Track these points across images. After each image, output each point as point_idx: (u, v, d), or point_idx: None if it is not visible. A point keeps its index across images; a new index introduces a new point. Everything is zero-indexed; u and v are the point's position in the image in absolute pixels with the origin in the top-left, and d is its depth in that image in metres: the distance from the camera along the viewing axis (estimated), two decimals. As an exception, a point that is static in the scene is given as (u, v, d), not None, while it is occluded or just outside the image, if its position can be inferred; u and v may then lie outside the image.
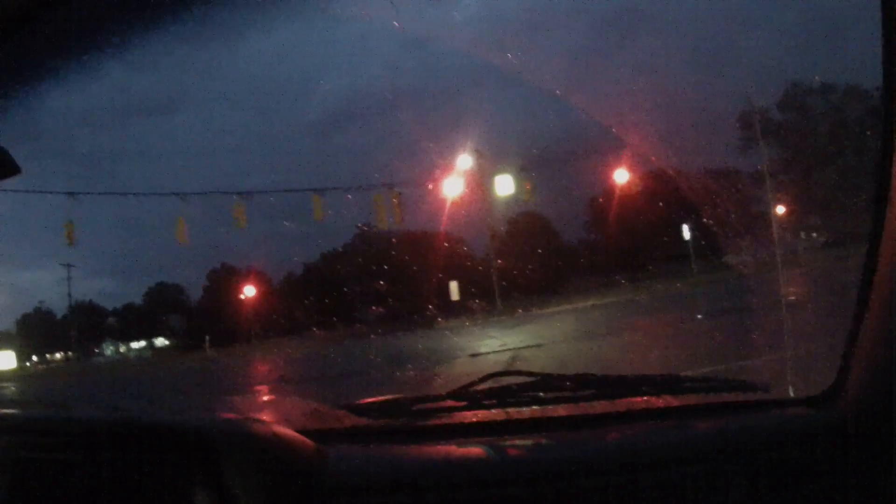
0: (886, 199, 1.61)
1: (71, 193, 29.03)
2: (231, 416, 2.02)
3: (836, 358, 1.78)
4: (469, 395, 2.28)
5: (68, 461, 1.76)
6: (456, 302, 34.56)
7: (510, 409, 2.17)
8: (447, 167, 30.62)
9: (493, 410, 2.20)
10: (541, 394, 2.20)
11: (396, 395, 2.43)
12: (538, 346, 14.37)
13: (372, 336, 31.14)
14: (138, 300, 67.50)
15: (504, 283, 36.41)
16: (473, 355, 13.99)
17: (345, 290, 45.79)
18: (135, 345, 67.36)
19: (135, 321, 65.59)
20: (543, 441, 1.99)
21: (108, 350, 67.08)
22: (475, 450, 1.93)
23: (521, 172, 32.55)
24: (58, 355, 64.73)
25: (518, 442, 1.99)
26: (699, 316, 14.83)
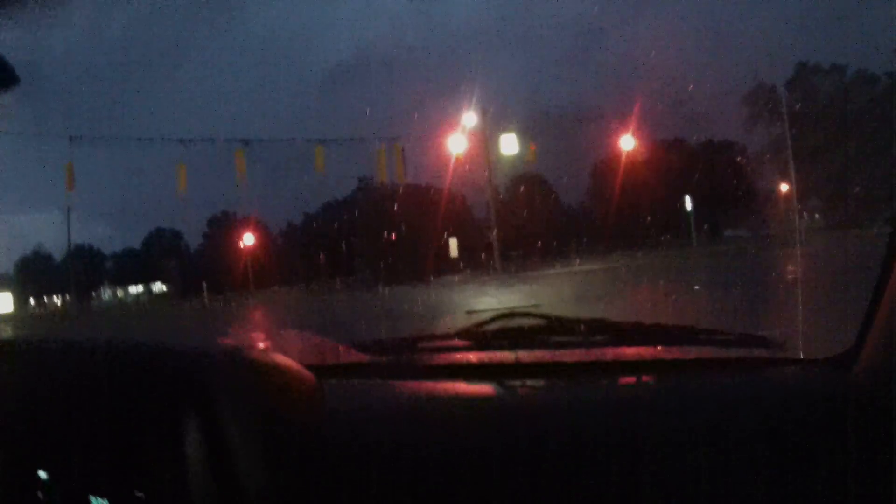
0: None
1: (72, 137, 28.98)
2: (227, 342, 1.95)
3: (845, 328, 1.72)
4: (477, 335, 2.21)
5: (58, 386, 1.71)
6: (455, 259, 34.69)
7: (520, 352, 2.11)
8: (452, 124, 30.57)
9: (502, 352, 2.14)
10: (552, 337, 2.13)
11: (402, 335, 2.37)
12: (535, 306, 14.37)
13: (369, 288, 31.26)
14: (137, 245, 67.80)
15: (504, 242, 36.49)
16: (469, 312, 14.00)
17: (344, 242, 45.96)
18: (132, 289, 67.91)
19: (133, 266, 66.01)
20: (552, 384, 1.94)
21: (106, 294, 67.61)
22: (481, 388, 1.88)
23: (526, 133, 32.48)
24: (55, 299, 65.25)
25: (526, 384, 1.93)
26: (702, 286, 14.79)
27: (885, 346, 1.54)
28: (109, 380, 1.66)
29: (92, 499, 1.58)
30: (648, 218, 38.87)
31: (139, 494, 1.53)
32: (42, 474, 1.63)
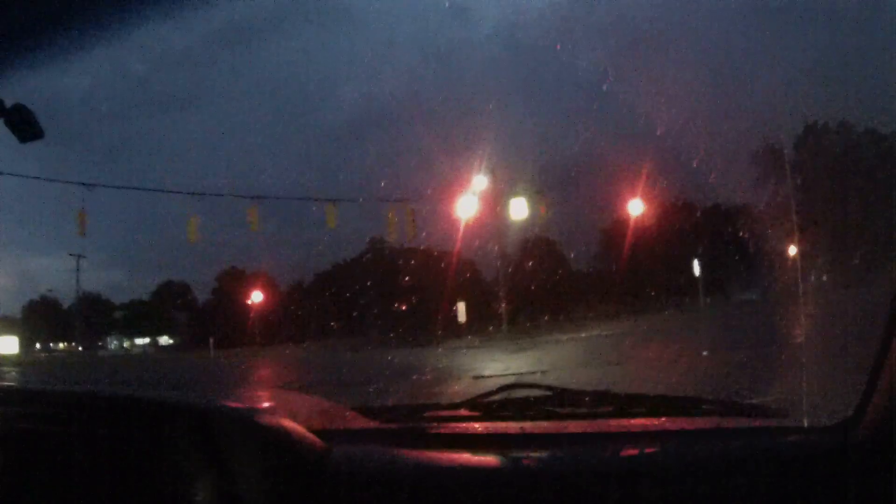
0: None
1: (86, 184, 29.15)
2: (236, 404, 1.98)
3: (849, 393, 1.74)
4: (483, 406, 2.23)
5: (68, 435, 1.73)
6: (463, 323, 34.51)
7: (525, 423, 2.12)
8: (462, 185, 30.68)
9: (508, 423, 2.16)
10: (556, 409, 2.15)
11: (409, 402, 2.38)
12: (542, 371, 14.27)
13: (376, 349, 31.05)
14: (146, 296, 67.72)
15: (512, 307, 36.34)
16: (477, 377, 13.90)
17: (353, 301, 45.84)
18: (139, 340, 67.63)
19: (141, 317, 65.81)
20: (557, 455, 1.95)
21: (113, 344, 67.33)
22: (486, 459, 1.89)
23: (536, 196, 32.57)
24: (61, 345, 64.93)
25: (531, 455, 1.95)
26: (705, 353, 14.67)
27: (885, 415, 1.56)
28: (124, 432, 1.69)
29: None
30: (657, 282, 38.75)
31: None
32: None
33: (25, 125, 2.02)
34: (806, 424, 1.92)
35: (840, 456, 1.64)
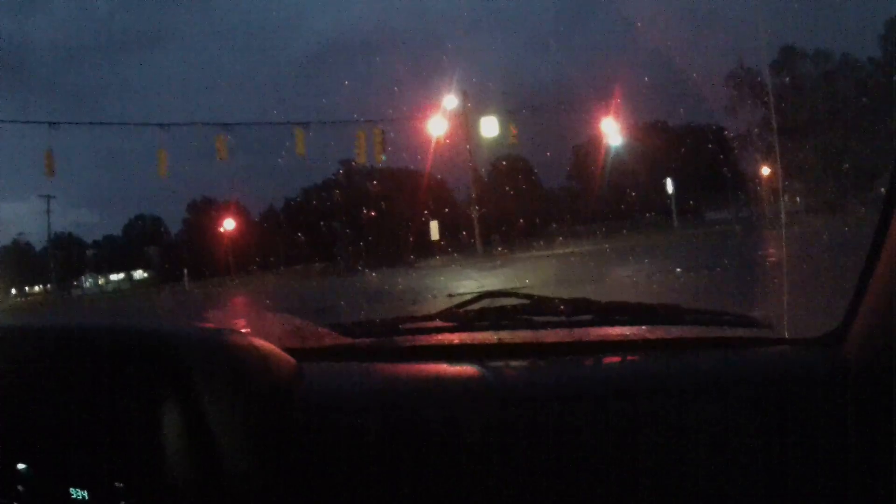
0: None
1: (52, 123, 28.68)
2: (206, 325, 1.91)
3: (831, 309, 1.71)
4: (460, 316, 2.18)
5: (28, 369, 1.67)
6: (436, 242, 34.62)
7: (502, 333, 2.08)
8: (433, 106, 30.47)
9: (484, 333, 2.11)
10: (534, 317, 2.10)
11: (383, 317, 2.33)
12: (517, 288, 14.31)
13: (350, 273, 31.19)
14: (118, 232, 67.45)
15: (485, 225, 36.47)
16: (451, 295, 13.95)
17: (325, 225, 45.84)
18: (113, 277, 67.59)
19: (114, 253, 65.71)
20: (535, 365, 1.91)
21: (87, 282, 67.25)
22: (464, 369, 1.85)
23: (507, 115, 32.37)
24: (37, 288, 64.82)
25: (509, 364, 1.91)
26: (684, 269, 14.81)
27: (874, 326, 1.53)
28: (85, 365, 1.63)
29: (72, 491, 1.55)
30: (630, 200, 39.00)
31: (119, 485, 1.51)
32: (21, 467, 1.60)
33: None
34: (788, 336, 1.89)
35: (829, 366, 1.61)
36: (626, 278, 14.59)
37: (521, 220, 38.83)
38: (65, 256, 62.32)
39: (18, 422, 1.65)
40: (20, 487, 1.59)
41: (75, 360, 1.63)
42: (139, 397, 1.55)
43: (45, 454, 1.61)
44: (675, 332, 2.02)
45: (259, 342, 1.78)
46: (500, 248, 34.56)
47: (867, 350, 1.54)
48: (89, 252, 67.98)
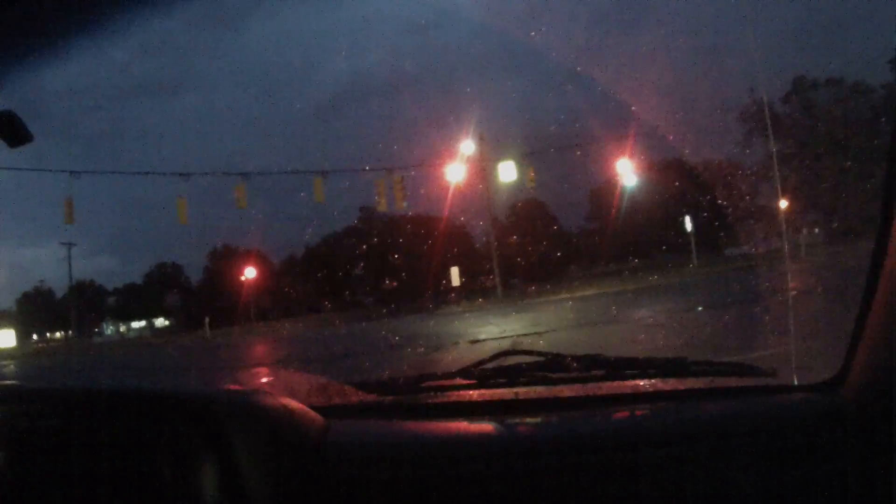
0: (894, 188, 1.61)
1: (72, 172, 28.95)
2: (237, 387, 2.01)
3: (839, 349, 1.78)
4: (478, 374, 2.27)
5: (68, 432, 1.75)
6: (456, 287, 34.57)
7: (519, 389, 2.16)
8: (450, 152, 30.61)
9: (502, 389, 2.20)
10: (549, 374, 2.19)
11: (404, 374, 2.42)
12: (538, 333, 14.33)
13: (371, 320, 31.08)
14: (138, 280, 67.70)
15: (504, 270, 36.39)
16: (473, 342, 13.97)
17: (345, 273, 45.82)
18: (135, 324, 67.61)
19: (135, 301, 65.73)
20: (551, 420, 1.99)
21: (108, 329, 67.31)
22: (483, 426, 1.93)
23: (524, 159, 32.46)
24: (58, 334, 64.94)
25: (526, 420, 1.99)
26: (700, 308, 14.77)
27: (870, 370, 1.61)
28: (126, 427, 1.72)
29: None
30: (649, 240, 38.77)
31: None
32: None
33: (14, 131, 2.02)
34: (795, 382, 1.96)
35: (828, 412, 1.68)
36: (645, 319, 14.57)
37: (541, 264, 38.71)
38: (86, 303, 62.51)
39: (56, 478, 1.73)
40: None
41: (120, 421, 1.72)
42: (179, 457, 1.64)
43: None
44: (682, 383, 2.11)
45: (288, 402, 1.87)
46: (520, 292, 34.48)
47: (864, 394, 1.62)
48: (110, 299, 68.21)
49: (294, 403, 1.89)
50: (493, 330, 16.87)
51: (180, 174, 30.65)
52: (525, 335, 14.03)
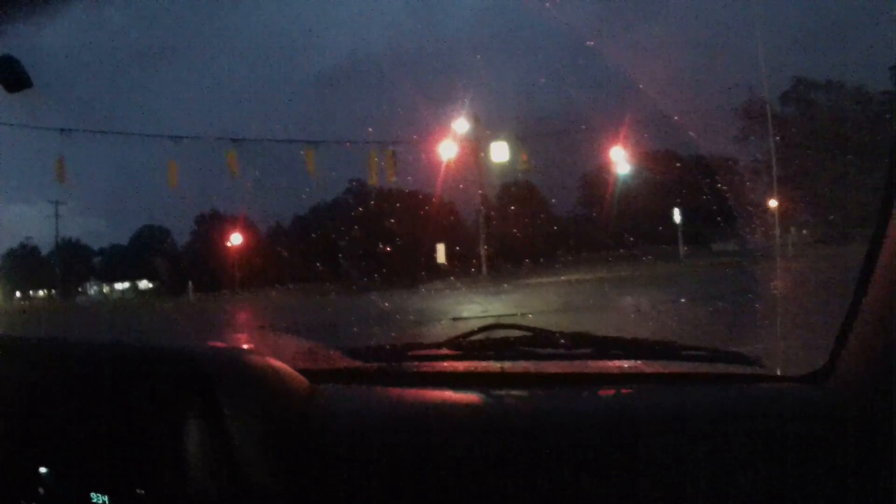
0: (893, 185, 1.60)
1: (64, 130, 28.71)
2: (226, 345, 2.00)
3: (825, 344, 1.78)
4: (465, 345, 2.27)
5: (54, 384, 1.74)
6: (442, 265, 34.52)
7: (505, 363, 2.17)
8: (443, 130, 30.48)
9: (489, 362, 2.20)
10: (537, 349, 2.18)
11: (392, 342, 2.42)
12: (521, 315, 14.35)
13: (356, 292, 31.07)
14: (125, 241, 67.26)
15: (492, 250, 36.35)
16: (456, 319, 14.00)
17: (331, 244, 45.69)
18: (118, 286, 67.31)
19: (120, 262, 65.42)
20: (536, 394, 1.99)
21: (92, 290, 67.00)
22: (468, 397, 1.93)
23: (518, 141, 32.38)
24: (41, 292, 64.61)
25: (511, 393, 1.99)
26: (683, 300, 14.80)
27: (858, 362, 1.61)
28: (113, 380, 1.71)
29: (93, 496, 1.63)
30: (637, 229, 38.76)
31: (140, 492, 1.59)
32: (43, 471, 1.67)
33: (13, 75, 2.02)
34: (779, 373, 1.97)
35: (815, 403, 1.68)
36: (630, 307, 14.61)
37: (528, 246, 38.67)
38: (71, 262, 62.22)
39: (43, 427, 1.73)
40: (41, 490, 1.67)
41: (106, 373, 1.72)
42: (165, 411, 1.64)
43: (67, 459, 1.68)
44: (669, 367, 2.11)
45: (275, 362, 1.87)
46: (506, 273, 34.47)
47: (852, 386, 1.62)
48: (95, 259, 67.88)
49: (280, 364, 1.89)
50: (475, 309, 16.88)
51: (171, 137, 30.48)
52: (509, 315, 14.05)
